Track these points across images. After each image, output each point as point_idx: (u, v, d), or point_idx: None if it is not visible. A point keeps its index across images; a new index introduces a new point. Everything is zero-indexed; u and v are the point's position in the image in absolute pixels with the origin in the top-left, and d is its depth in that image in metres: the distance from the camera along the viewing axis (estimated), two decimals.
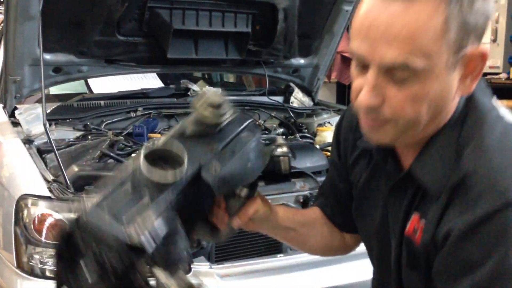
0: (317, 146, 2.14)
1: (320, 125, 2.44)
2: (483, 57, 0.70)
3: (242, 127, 0.86)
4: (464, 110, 0.74)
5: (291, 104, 2.62)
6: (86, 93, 2.65)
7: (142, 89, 2.54)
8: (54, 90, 2.58)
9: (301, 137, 2.32)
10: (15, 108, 1.98)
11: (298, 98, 2.63)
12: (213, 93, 0.82)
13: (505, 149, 0.70)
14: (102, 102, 2.30)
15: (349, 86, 4.69)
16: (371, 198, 0.87)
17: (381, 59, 0.67)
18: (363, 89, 0.70)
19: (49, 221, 1.48)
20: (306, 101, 2.66)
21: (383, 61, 0.67)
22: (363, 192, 0.89)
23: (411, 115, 0.70)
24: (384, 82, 0.69)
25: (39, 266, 1.45)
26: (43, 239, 1.47)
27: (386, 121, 0.71)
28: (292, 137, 2.34)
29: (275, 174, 0.95)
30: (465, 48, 0.68)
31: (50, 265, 1.45)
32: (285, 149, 0.94)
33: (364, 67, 0.70)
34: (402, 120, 0.71)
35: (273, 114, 2.51)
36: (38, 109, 1.88)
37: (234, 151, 0.83)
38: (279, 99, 2.66)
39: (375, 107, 0.70)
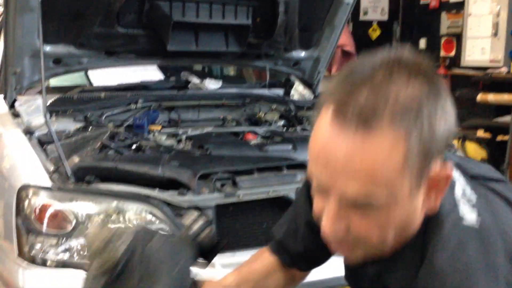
0: None
1: None
2: (447, 178, 0.69)
3: (141, 242, 0.77)
4: (425, 216, 0.72)
5: (291, 97, 2.62)
6: (86, 85, 2.64)
7: (142, 82, 2.54)
8: (54, 82, 2.58)
9: (302, 129, 2.32)
10: (15, 100, 1.98)
11: (299, 91, 2.63)
12: (94, 236, 0.76)
13: (457, 268, 0.67)
14: (102, 94, 2.29)
15: None
16: (360, 272, 0.84)
17: (342, 193, 0.65)
18: (326, 218, 0.68)
19: (50, 211, 1.48)
20: (307, 94, 2.66)
21: (345, 195, 0.65)
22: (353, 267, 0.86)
23: (377, 240, 0.69)
24: (347, 210, 0.67)
25: (40, 255, 1.46)
26: (44, 228, 1.48)
27: (353, 244, 0.70)
28: (293, 129, 2.34)
29: (208, 252, 0.88)
30: (428, 168, 0.66)
31: (51, 254, 1.45)
32: (200, 223, 0.86)
33: (325, 191, 0.68)
34: (369, 244, 0.70)
35: (274, 107, 2.51)
36: (38, 101, 1.88)
37: (154, 270, 0.75)
38: (280, 92, 2.66)
39: (340, 235, 0.69)
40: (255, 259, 1.01)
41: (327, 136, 0.65)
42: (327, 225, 0.68)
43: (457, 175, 0.76)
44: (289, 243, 0.97)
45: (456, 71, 4.80)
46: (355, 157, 0.63)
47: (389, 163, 0.63)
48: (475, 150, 3.81)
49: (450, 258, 0.68)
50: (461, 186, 0.75)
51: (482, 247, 0.68)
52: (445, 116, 0.66)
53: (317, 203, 0.71)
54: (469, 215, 0.71)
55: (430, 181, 0.68)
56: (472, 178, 0.78)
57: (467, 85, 4.61)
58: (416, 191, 0.67)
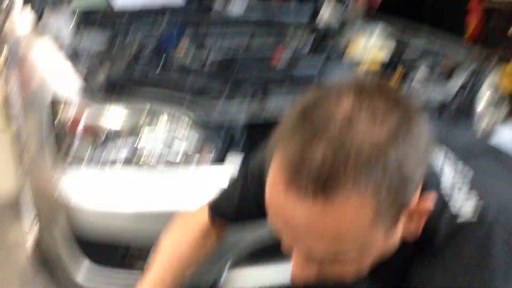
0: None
1: (351, 39, 2.36)
2: (427, 209, 0.61)
3: None
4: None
5: (319, 20, 2.54)
6: (110, 7, 2.58)
7: (164, 5, 2.47)
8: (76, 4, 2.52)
9: (331, 51, 2.25)
10: (43, 15, 1.94)
11: (327, 14, 2.54)
12: None
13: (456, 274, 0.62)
14: (126, 15, 2.25)
15: (380, 8, 4.41)
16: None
17: (308, 252, 0.58)
18: (294, 264, 0.61)
19: (82, 121, 1.49)
20: (335, 18, 2.57)
21: (311, 254, 0.58)
22: None
23: (353, 276, 0.63)
24: (317, 261, 0.60)
25: (74, 165, 1.48)
26: (77, 140, 1.49)
27: (327, 280, 0.64)
28: (321, 53, 2.28)
29: None
30: (404, 210, 0.58)
31: (86, 163, 1.47)
32: None
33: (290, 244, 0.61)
34: (344, 279, 0.64)
35: (301, 30, 2.43)
36: (64, 17, 1.85)
37: None
38: (308, 14, 2.57)
39: (311, 279, 0.62)
40: (195, 241, 0.91)
41: (282, 200, 0.55)
42: (297, 272, 0.62)
43: (443, 154, 0.68)
44: (237, 222, 0.92)
45: (489, 3, 4.58)
46: (317, 224, 0.54)
47: (357, 223, 0.55)
48: (508, 79, 3.70)
49: (447, 280, 0.63)
50: (450, 169, 0.67)
51: (480, 250, 0.62)
52: (418, 148, 0.55)
53: (285, 244, 0.62)
54: (464, 206, 0.64)
55: (408, 214, 0.60)
56: (462, 150, 0.70)
57: (499, 18, 4.41)
58: (393, 231, 0.60)
